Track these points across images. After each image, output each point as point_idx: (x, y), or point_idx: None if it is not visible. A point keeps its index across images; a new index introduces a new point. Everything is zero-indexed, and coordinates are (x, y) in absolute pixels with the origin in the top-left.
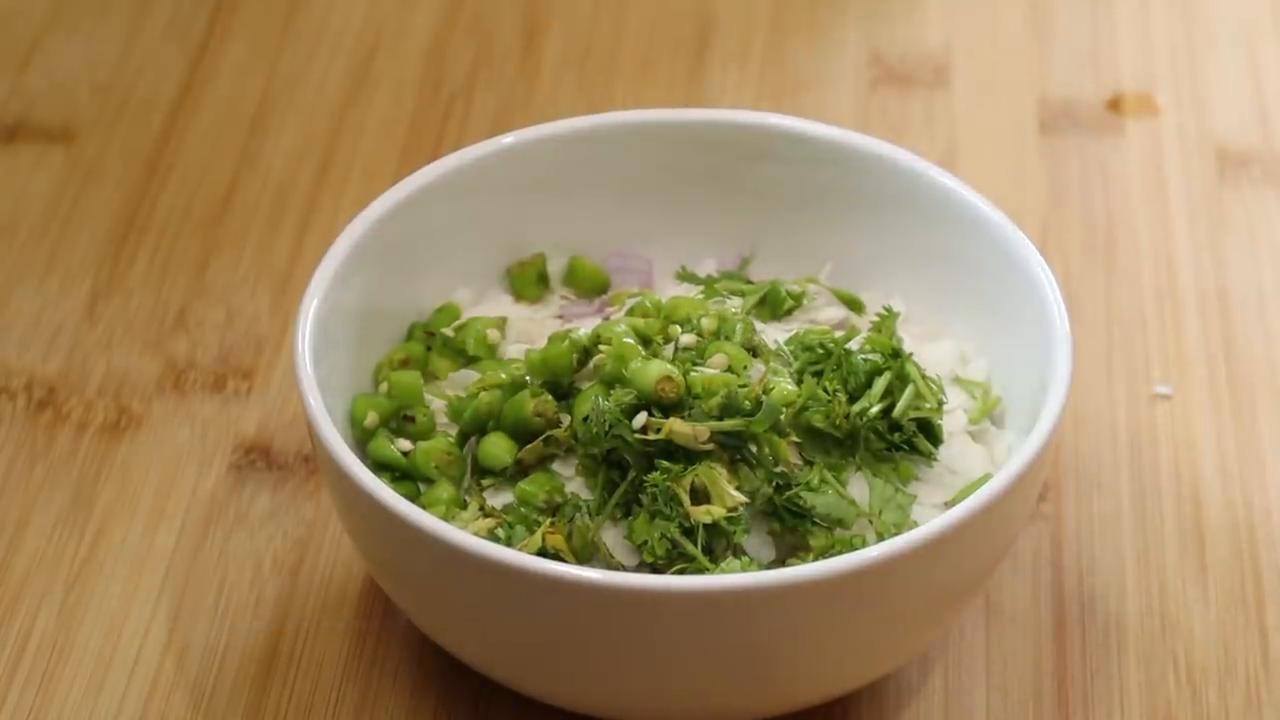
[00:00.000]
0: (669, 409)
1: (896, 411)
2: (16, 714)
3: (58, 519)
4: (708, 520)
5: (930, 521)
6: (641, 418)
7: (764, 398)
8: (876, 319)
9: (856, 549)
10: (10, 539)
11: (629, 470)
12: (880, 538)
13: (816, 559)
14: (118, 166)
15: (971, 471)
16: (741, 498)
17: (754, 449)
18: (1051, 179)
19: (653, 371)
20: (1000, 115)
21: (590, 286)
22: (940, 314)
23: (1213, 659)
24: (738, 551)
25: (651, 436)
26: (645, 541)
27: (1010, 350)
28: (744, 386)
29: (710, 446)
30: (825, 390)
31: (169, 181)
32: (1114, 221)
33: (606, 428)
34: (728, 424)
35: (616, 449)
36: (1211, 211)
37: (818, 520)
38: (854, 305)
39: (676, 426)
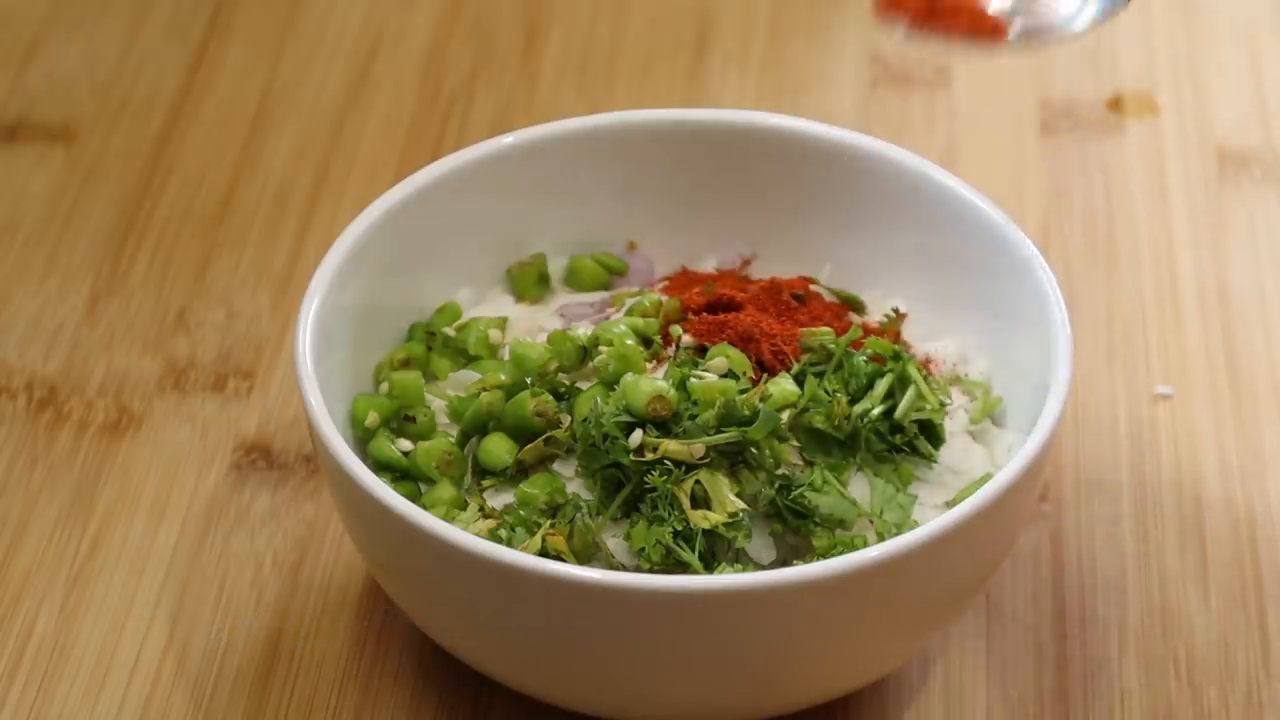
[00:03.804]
0: (664, 422)
1: (898, 413)
2: (17, 714)
3: (58, 519)
4: (707, 526)
5: (931, 521)
6: (637, 436)
7: (760, 406)
8: (884, 320)
9: (858, 549)
10: (10, 539)
11: (629, 475)
12: (881, 538)
13: (819, 560)
14: (118, 166)
15: (972, 472)
16: (741, 504)
17: (754, 452)
18: (1052, 179)
19: (644, 390)
20: (1000, 115)
21: (591, 285)
22: (940, 314)
23: (1213, 659)
24: (739, 557)
25: (649, 457)
26: (642, 549)
27: (1011, 350)
28: (744, 392)
29: (710, 458)
30: (826, 391)
31: (169, 181)
32: (1114, 221)
33: (604, 444)
34: (724, 437)
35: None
36: (1212, 211)
37: (820, 521)
38: (854, 305)
39: (672, 447)
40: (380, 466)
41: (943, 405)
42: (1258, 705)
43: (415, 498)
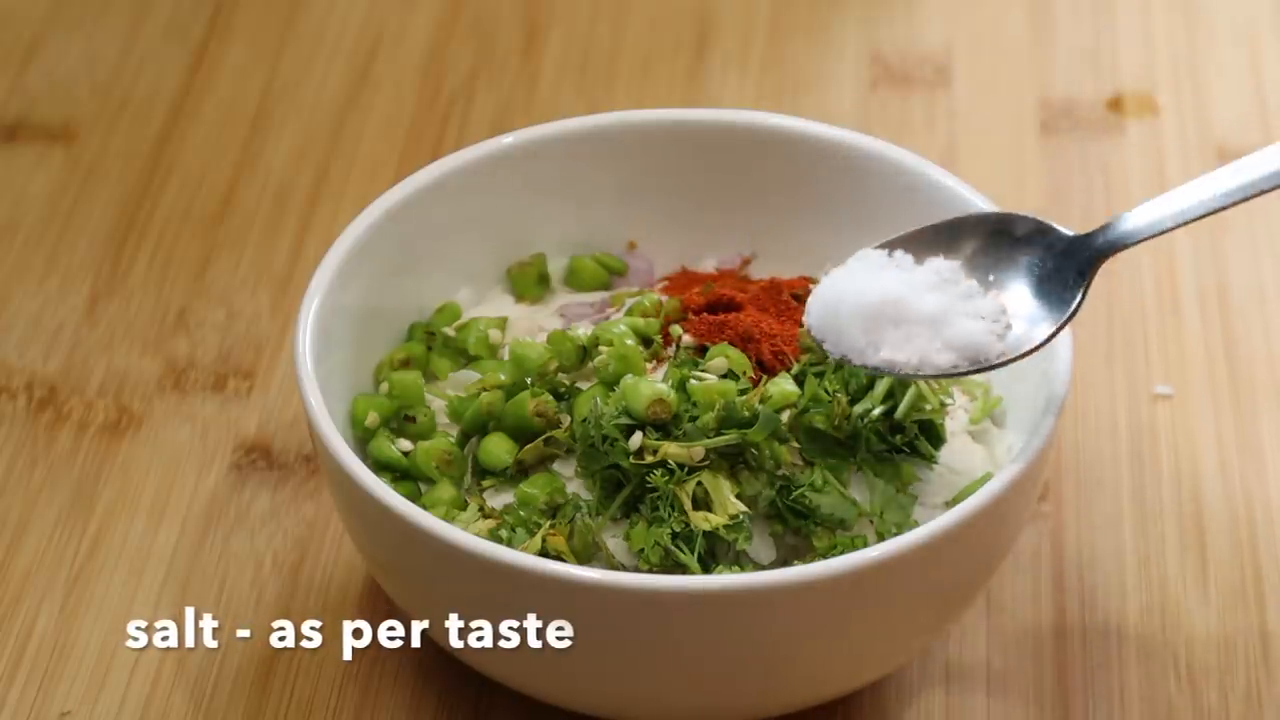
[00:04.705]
0: (664, 424)
1: (899, 414)
2: (17, 714)
3: (58, 519)
4: (707, 528)
5: (931, 521)
6: (637, 438)
7: (760, 407)
8: None
9: (858, 549)
10: (11, 539)
11: (629, 476)
12: (881, 538)
13: (819, 560)
14: (118, 166)
15: (972, 471)
16: (742, 506)
17: (755, 453)
18: (1052, 179)
19: (644, 393)
20: (1000, 115)
21: (591, 285)
22: None
23: (1213, 658)
24: (739, 558)
25: (648, 460)
26: (641, 550)
27: None
28: (744, 392)
29: (710, 459)
30: (826, 391)
31: (169, 181)
32: None
33: (603, 446)
34: (724, 440)
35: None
36: None
37: (820, 521)
38: None
39: (671, 450)
40: (380, 466)
41: (943, 405)
42: (1258, 705)
43: (415, 498)
